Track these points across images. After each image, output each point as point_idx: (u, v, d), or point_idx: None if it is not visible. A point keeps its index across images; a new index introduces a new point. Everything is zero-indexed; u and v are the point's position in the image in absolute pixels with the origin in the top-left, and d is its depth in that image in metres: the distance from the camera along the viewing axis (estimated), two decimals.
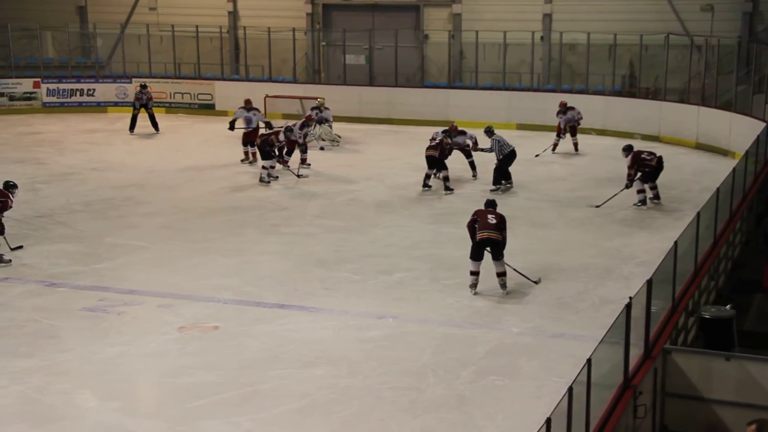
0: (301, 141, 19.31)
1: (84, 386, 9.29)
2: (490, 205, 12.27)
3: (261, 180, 18.15)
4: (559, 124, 20.81)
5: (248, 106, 20.06)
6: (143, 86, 24.24)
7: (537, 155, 20.32)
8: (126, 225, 15.26)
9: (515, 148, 17.58)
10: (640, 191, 16.15)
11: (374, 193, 17.47)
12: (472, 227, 11.93)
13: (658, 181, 16.44)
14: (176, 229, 15.01)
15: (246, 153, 19.89)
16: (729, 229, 12.08)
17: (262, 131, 19.54)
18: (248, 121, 19.80)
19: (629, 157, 16.18)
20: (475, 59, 25.84)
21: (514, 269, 12.04)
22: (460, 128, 18.55)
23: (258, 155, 19.10)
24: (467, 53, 26.56)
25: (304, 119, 20.29)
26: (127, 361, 9.95)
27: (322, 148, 21.47)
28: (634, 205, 16.10)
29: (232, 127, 19.86)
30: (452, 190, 17.26)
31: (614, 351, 7.62)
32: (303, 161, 19.39)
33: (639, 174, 16.09)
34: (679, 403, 8.31)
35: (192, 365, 9.76)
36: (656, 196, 16.38)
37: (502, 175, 17.48)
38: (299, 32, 27.58)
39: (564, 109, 20.83)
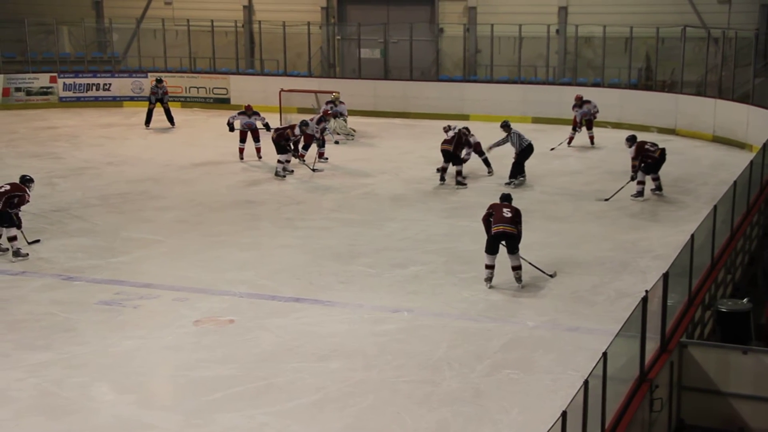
0: (318, 135, 19.27)
1: (100, 379, 9.33)
2: (506, 199, 12.24)
3: (276, 174, 18.16)
4: (575, 117, 20.73)
5: (249, 111, 19.73)
6: (159, 80, 24.29)
7: (552, 149, 20.26)
8: (142, 219, 15.32)
9: (532, 142, 17.51)
10: (640, 182, 16.12)
11: (389, 186, 17.46)
12: (487, 221, 11.90)
13: (667, 173, 16.38)
14: (192, 223, 15.05)
15: (241, 150, 19.71)
16: (746, 223, 12.01)
17: (262, 130, 19.61)
18: (250, 125, 19.59)
19: (633, 147, 16.16)
20: (490, 53, 25.77)
21: (530, 263, 12.01)
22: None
23: (260, 152, 19.61)
24: (482, 47, 26.50)
25: (321, 114, 20.25)
26: (143, 354, 9.99)
27: (336, 142, 21.46)
28: (632, 196, 16.06)
29: (231, 129, 19.66)
30: (465, 185, 17.22)
31: (630, 344, 7.60)
32: (320, 155, 19.37)
33: (642, 165, 16.05)
34: (695, 397, 8.28)
35: (207, 359, 9.79)
36: (658, 188, 16.34)
37: (517, 169, 17.43)
38: (314, 26, 27.59)
39: (580, 102, 20.75)
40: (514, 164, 17.41)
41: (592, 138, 20.92)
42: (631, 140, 16.38)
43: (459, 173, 17.33)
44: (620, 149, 20.18)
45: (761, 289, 10.40)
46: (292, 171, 18.39)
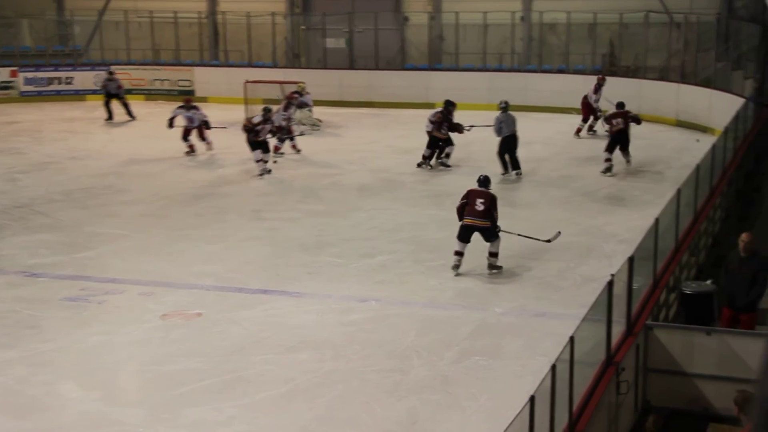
0: (284, 124, 19.06)
1: (66, 376, 9.24)
2: (483, 183, 12.00)
3: (261, 174, 17.25)
4: (595, 100, 20.43)
5: (188, 105, 19.37)
6: (110, 73, 23.74)
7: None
8: (106, 214, 15.17)
9: (515, 134, 16.94)
10: (607, 159, 16.84)
11: (356, 176, 17.42)
12: (461, 209, 11.81)
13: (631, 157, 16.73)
14: (157, 217, 14.93)
15: (191, 146, 19.29)
16: (709, 205, 12.14)
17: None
18: (190, 120, 19.17)
19: (614, 110, 17.46)
20: (455, 41, 25.78)
21: (525, 236, 11.90)
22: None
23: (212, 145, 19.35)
24: (447, 35, 26.49)
25: (285, 101, 19.99)
26: (109, 350, 9.90)
27: (302, 133, 21.38)
28: (601, 172, 16.81)
29: (171, 125, 19.24)
30: (449, 166, 17.45)
31: (597, 328, 7.66)
32: (293, 147, 19.21)
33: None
34: (661, 379, 8.36)
35: (175, 353, 9.72)
36: (607, 169, 16.95)
37: (502, 160, 16.90)
38: (278, 17, 27.44)
39: (602, 82, 20.56)
40: (498, 154, 17.00)
41: (591, 126, 20.67)
42: (619, 106, 17.54)
43: (447, 155, 17.59)
44: (585, 135, 20.35)
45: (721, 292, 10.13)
46: (270, 171, 17.51)
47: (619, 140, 16.73)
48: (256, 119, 17.73)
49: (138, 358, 9.72)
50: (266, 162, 17.45)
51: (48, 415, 8.52)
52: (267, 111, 18.14)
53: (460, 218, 11.84)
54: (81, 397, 8.82)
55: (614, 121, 16.72)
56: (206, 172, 18.13)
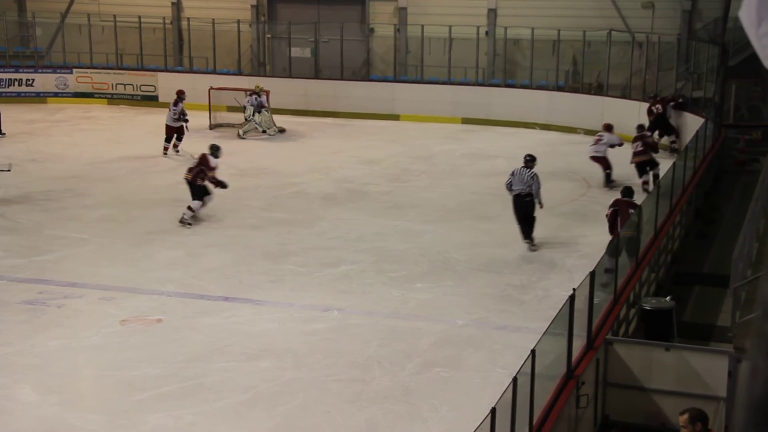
0: (176, 117, 19.09)
1: (23, 380, 9.12)
2: (627, 194, 11.91)
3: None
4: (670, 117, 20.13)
5: None
6: None
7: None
8: (67, 217, 15.00)
9: (524, 194, 13.40)
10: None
11: (320, 186, 17.40)
12: (613, 218, 11.71)
13: (593, 174, 16.82)
14: (119, 222, 14.79)
15: None
16: (669, 222, 12.31)
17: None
18: None
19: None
20: (420, 53, 25.89)
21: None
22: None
23: None
24: (413, 47, 26.60)
25: (176, 96, 19.90)
26: (67, 354, 9.78)
27: (279, 131, 21.46)
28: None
29: None
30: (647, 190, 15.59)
31: (557, 342, 7.72)
32: (175, 147, 19.34)
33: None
34: (620, 393, 8.44)
35: (134, 358, 9.64)
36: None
37: (520, 224, 13.50)
38: (244, 24, 27.34)
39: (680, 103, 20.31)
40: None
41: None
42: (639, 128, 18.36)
43: (656, 176, 16.03)
44: (548, 151, 20.49)
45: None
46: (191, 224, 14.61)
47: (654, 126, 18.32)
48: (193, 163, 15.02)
49: (97, 363, 9.63)
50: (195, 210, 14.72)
51: (4, 419, 8.41)
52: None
53: (611, 230, 11.70)
54: (37, 402, 8.72)
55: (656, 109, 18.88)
56: (169, 177, 17.97)
